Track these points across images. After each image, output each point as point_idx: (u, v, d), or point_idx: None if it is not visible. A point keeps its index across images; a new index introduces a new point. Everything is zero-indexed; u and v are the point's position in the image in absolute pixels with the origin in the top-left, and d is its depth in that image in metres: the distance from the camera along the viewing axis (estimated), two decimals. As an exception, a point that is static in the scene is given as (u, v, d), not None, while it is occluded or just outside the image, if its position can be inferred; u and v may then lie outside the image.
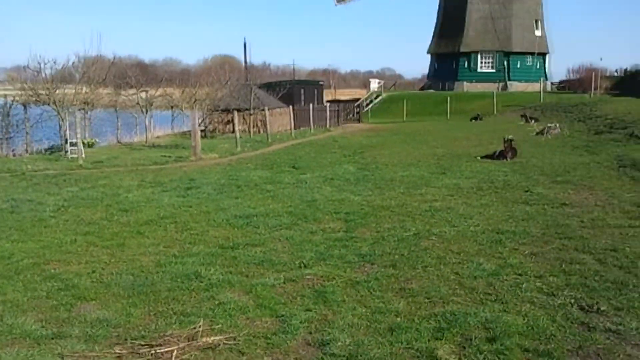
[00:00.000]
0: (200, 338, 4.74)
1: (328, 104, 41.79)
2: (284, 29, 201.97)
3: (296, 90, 41.31)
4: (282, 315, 5.29)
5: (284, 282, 6.24)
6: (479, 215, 9.29)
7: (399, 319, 5.16)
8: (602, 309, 5.36)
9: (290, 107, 31.93)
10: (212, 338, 4.74)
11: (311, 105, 34.24)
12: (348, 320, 5.14)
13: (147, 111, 30.03)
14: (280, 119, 33.56)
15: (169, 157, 19.41)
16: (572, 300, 5.58)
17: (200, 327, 4.93)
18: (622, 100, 32.77)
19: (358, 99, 53.50)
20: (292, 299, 5.76)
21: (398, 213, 9.59)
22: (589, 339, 4.75)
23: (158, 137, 31.55)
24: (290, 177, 13.95)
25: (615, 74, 58.27)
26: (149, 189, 12.52)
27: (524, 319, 5.10)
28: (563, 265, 6.67)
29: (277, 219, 9.30)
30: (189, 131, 23.08)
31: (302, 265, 6.83)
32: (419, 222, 8.88)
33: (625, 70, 54.20)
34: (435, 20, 62.70)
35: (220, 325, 5.07)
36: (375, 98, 55.92)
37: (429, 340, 4.68)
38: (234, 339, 4.78)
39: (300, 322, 5.11)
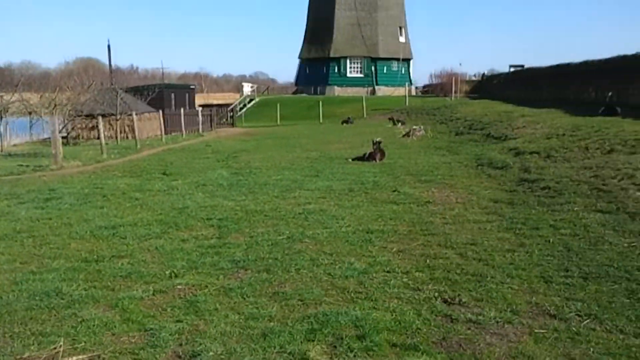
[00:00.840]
0: (61, 358, 4.45)
1: (200, 108, 41.08)
2: (152, 31, 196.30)
3: (166, 94, 40.23)
4: (151, 329, 5.09)
5: (153, 294, 6.02)
6: (350, 216, 9.51)
7: (272, 323, 5.14)
8: (463, 300, 5.66)
9: (160, 111, 31.02)
10: (74, 358, 4.47)
11: (182, 110, 33.47)
12: (220, 328, 5.05)
13: (1, 118, 27.93)
14: (150, 124, 32.52)
15: (27, 166, 18.14)
16: (437, 294, 5.85)
17: (60, 346, 4.62)
18: (480, 103, 35.03)
19: (231, 103, 53.13)
20: (162, 310, 5.56)
21: (272, 217, 9.59)
22: (452, 330, 4.99)
23: (15, 145, 29.42)
24: (161, 184, 13.54)
25: (474, 78, 62.32)
26: (4, 201, 11.61)
27: (392, 315, 5.27)
28: (428, 261, 6.98)
29: (146, 228, 8.97)
30: (49, 138, 21.73)
31: (172, 275, 6.63)
32: (292, 225, 8.93)
33: (483, 74, 58.07)
34: (305, 26, 63.72)
35: (83, 344, 4.78)
36: (249, 102, 55.86)
37: (301, 343, 4.70)
38: (98, 357, 4.53)
39: (170, 335, 4.94)
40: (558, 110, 21.70)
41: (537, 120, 19.17)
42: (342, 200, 10.86)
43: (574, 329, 5.01)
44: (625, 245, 7.33)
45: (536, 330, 4.99)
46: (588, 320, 5.18)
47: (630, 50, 23.51)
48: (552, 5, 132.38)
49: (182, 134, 31.57)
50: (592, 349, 4.62)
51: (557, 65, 31.09)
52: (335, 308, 5.45)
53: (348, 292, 5.93)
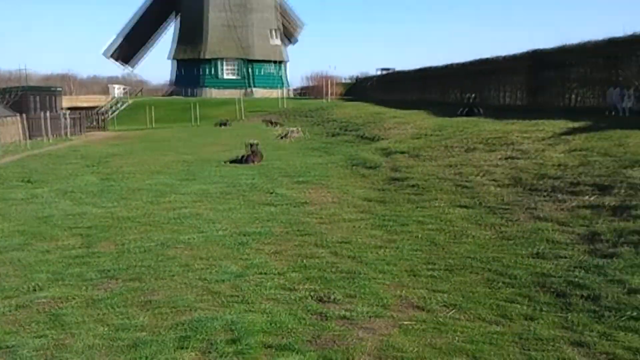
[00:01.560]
0: None
1: (68, 112, 38.94)
2: (13, 30, 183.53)
3: (28, 97, 37.81)
4: (12, 346, 4.76)
5: (15, 309, 5.64)
6: (226, 219, 9.42)
7: (142, 333, 4.97)
8: (336, 298, 5.78)
9: (21, 115, 29.06)
10: None
11: (47, 114, 31.58)
12: (87, 342, 4.81)
13: None
14: (11, 129, 30.37)
15: None
16: (311, 293, 5.94)
17: None
18: (353, 105, 35.95)
19: (100, 106, 50.84)
20: (23, 326, 5.22)
21: (144, 223, 9.29)
22: (325, 327, 5.08)
23: None
24: (23, 192, 12.68)
25: (348, 80, 64.03)
26: None
27: (266, 317, 5.27)
28: (303, 261, 7.07)
29: (6, 240, 8.37)
30: None
31: (35, 288, 6.24)
32: (166, 231, 8.70)
33: (356, 77, 59.79)
34: (176, 26, 62.31)
35: None
36: (121, 105, 53.73)
37: (173, 351, 4.59)
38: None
39: (32, 351, 4.64)
40: (425, 112, 22.77)
41: (405, 121, 20.01)
42: (217, 204, 10.73)
43: (439, 319, 5.28)
44: (486, 237, 7.83)
45: (404, 323, 5.20)
46: (452, 311, 5.47)
47: (489, 54, 25.16)
48: (418, 9, 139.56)
49: (48, 139, 29.77)
50: (455, 338, 4.88)
51: (423, 69, 32.63)
52: (209, 313, 5.37)
53: (222, 296, 5.86)
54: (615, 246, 6.58)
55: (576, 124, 12.58)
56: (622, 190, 7.96)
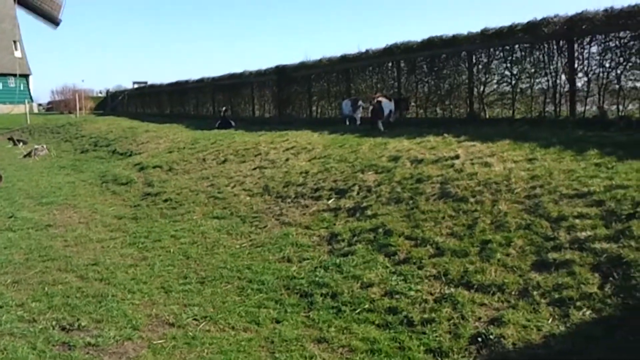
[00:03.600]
0: None
1: None
2: None
3: None
4: None
5: None
6: (-47, 252, 8.37)
7: None
8: (83, 324, 5.51)
9: None
10: None
11: None
12: None
13: None
14: None
15: None
16: (54, 322, 5.58)
17: None
18: (105, 120, 34.29)
19: None
20: None
21: None
22: (70, 358, 4.81)
23: None
24: None
25: (100, 94, 60.93)
26: None
27: (2, 355, 4.82)
28: (46, 288, 6.59)
29: None
30: None
31: None
32: None
33: (107, 90, 57.16)
34: None
35: None
36: None
37: None
38: None
39: None
40: (180, 125, 22.62)
41: (160, 135, 19.66)
42: (-57, 235, 9.48)
43: (190, 334, 5.32)
44: (237, 246, 8.06)
45: (154, 342, 5.15)
46: (204, 323, 5.55)
47: (239, 69, 25.83)
48: (177, 23, 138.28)
49: None
50: (206, 351, 4.96)
51: (177, 82, 32.41)
52: None
53: (-56, 339, 5.21)
54: (351, 244, 7.22)
55: (316, 134, 13.53)
56: (357, 193, 8.76)
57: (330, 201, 8.85)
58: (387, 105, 13.78)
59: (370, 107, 14.17)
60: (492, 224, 6.49)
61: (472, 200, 7.17)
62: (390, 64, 16.09)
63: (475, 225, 6.57)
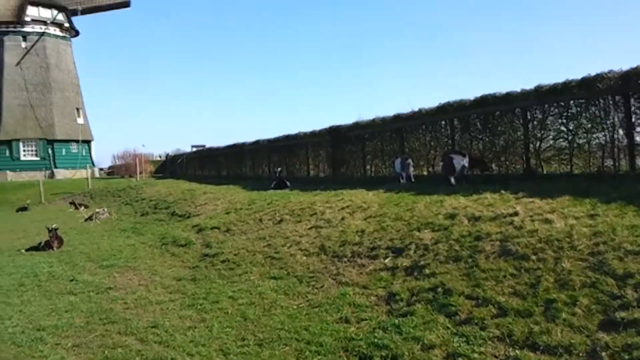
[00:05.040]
0: None
1: None
2: None
3: None
4: None
5: None
6: (18, 314, 8.62)
7: None
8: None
9: None
10: None
11: None
12: None
13: None
14: None
15: None
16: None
17: None
18: (165, 182, 35.32)
19: None
20: None
21: None
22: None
23: None
24: None
25: (159, 157, 62.98)
26: None
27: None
28: (106, 352, 6.68)
29: None
30: None
31: None
32: (-55, 335, 7.71)
33: (167, 154, 59.05)
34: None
35: None
36: None
37: None
38: None
39: None
40: (236, 186, 23.04)
41: (217, 197, 20.04)
42: (10, 297, 9.79)
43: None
44: (295, 307, 8.01)
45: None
46: (262, 386, 5.48)
47: (293, 130, 26.40)
48: (228, 88, 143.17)
49: None
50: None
51: (234, 145, 33.24)
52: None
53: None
54: (410, 304, 7.08)
55: (371, 193, 13.53)
56: (414, 252, 8.64)
57: (387, 260, 8.76)
58: (460, 161, 13.71)
59: (442, 163, 14.23)
60: (556, 283, 6.28)
61: (533, 257, 6.98)
62: (443, 122, 16.10)
63: (538, 284, 6.37)
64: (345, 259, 9.44)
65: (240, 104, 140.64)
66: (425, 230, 9.24)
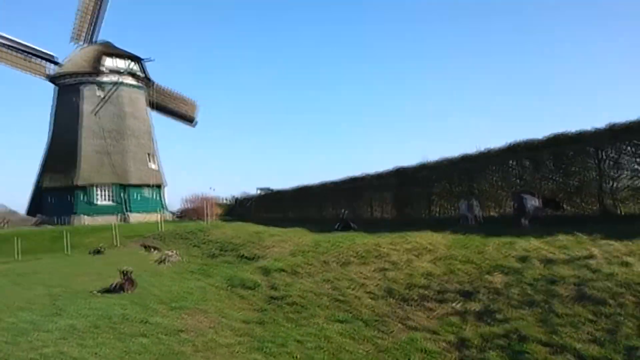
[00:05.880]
0: None
1: None
2: None
3: None
4: None
5: None
6: (93, 356, 8.84)
7: None
8: None
9: None
10: None
11: None
12: None
13: None
14: None
15: None
16: None
17: None
18: (232, 225, 35.89)
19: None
20: None
21: (0, 367, 8.50)
22: None
23: None
24: None
25: (226, 201, 64.20)
26: None
27: None
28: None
29: None
30: None
31: None
32: (23, 376, 8.00)
33: (235, 198, 60.17)
34: (44, 154, 60.31)
35: None
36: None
37: None
38: None
39: None
40: (302, 228, 23.17)
41: (284, 239, 20.19)
42: (85, 339, 10.06)
43: None
44: (362, 351, 7.91)
45: None
46: None
47: (356, 173, 26.55)
48: (293, 131, 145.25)
49: None
50: None
51: (300, 187, 33.64)
52: None
53: None
54: (482, 351, 6.87)
55: (437, 234, 13.32)
56: (485, 296, 8.41)
57: (457, 304, 8.55)
58: (531, 201, 13.39)
59: (512, 203, 13.95)
60: (637, 328, 5.96)
61: (612, 302, 6.67)
62: (512, 162, 15.80)
63: (617, 330, 6.07)
64: (413, 303, 9.29)
65: (303, 144, 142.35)
66: (496, 273, 9.00)
